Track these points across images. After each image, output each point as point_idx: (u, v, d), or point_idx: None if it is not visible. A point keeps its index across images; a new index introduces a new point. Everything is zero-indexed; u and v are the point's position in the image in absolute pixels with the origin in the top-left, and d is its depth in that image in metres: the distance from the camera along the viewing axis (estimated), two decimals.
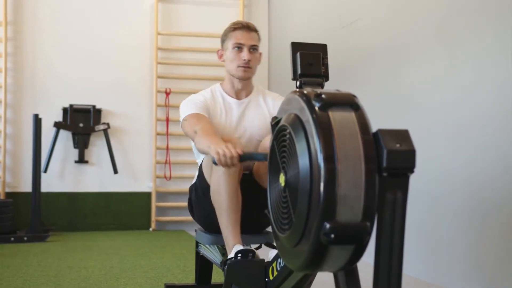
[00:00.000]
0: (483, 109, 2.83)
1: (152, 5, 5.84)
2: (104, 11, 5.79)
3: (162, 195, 5.79)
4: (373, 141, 1.25)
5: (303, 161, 1.28)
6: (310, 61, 1.69)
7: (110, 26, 5.79)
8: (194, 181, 2.50)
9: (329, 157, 1.22)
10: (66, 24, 5.69)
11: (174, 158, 5.72)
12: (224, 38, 2.45)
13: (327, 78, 1.72)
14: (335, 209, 1.22)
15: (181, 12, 5.96)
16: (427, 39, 3.31)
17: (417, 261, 3.28)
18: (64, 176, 5.63)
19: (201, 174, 2.38)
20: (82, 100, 5.64)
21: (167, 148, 5.70)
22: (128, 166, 5.76)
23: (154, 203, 5.70)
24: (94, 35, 5.74)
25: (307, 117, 1.28)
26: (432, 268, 3.15)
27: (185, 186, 5.43)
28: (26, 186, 5.43)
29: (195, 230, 2.64)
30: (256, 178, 2.33)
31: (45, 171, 5.38)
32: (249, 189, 2.26)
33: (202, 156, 2.40)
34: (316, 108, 1.27)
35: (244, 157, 1.90)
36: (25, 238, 4.75)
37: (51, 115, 5.53)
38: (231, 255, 2.03)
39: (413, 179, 3.09)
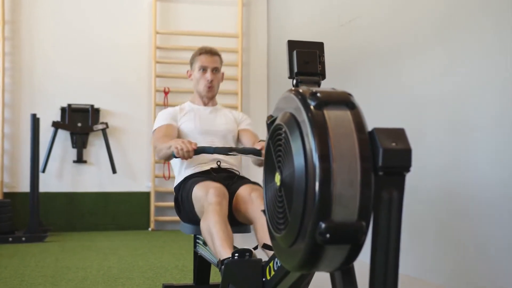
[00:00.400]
0: (482, 108, 2.81)
1: (151, 4, 5.83)
2: (102, 11, 5.78)
3: (161, 195, 5.78)
4: (369, 140, 1.23)
5: (298, 160, 1.26)
6: (307, 59, 1.67)
7: (108, 26, 5.78)
8: (177, 181, 2.69)
9: (324, 156, 1.20)
10: (64, 24, 5.68)
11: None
12: (192, 61, 2.84)
13: (323, 77, 1.70)
14: (330, 209, 1.20)
15: (180, 11, 5.95)
16: (426, 38, 3.30)
17: (419, 262, 3.27)
18: (62, 176, 5.62)
19: (188, 188, 2.52)
20: (80, 99, 5.63)
21: None
22: (126, 166, 5.75)
23: (153, 203, 5.70)
24: (92, 35, 5.74)
25: (302, 116, 1.27)
26: (423, 264, 3.14)
27: None
28: (24, 186, 5.42)
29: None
30: (234, 214, 2.49)
31: (43, 171, 5.37)
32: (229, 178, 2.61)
33: (179, 162, 2.70)
34: (311, 107, 1.25)
35: (198, 151, 2.37)
36: (23, 239, 4.74)
37: (49, 115, 5.53)
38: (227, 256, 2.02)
39: (412, 177, 3.07)
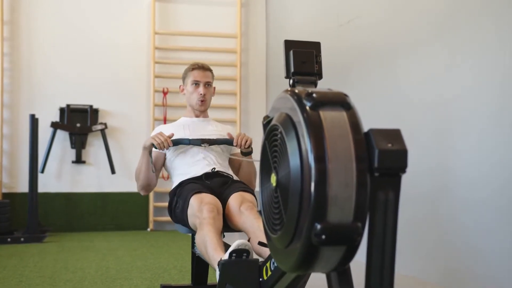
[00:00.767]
0: (482, 108, 2.81)
1: (150, 4, 5.83)
2: (102, 11, 5.78)
3: (160, 195, 5.77)
4: (365, 141, 1.23)
5: (294, 161, 1.26)
6: (303, 59, 1.67)
7: (108, 26, 5.78)
8: (174, 186, 2.74)
9: (320, 157, 1.20)
10: (63, 24, 5.68)
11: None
12: (184, 76, 2.93)
13: (320, 76, 1.70)
14: (326, 210, 1.20)
15: (179, 11, 5.94)
16: (425, 38, 3.30)
17: (410, 260, 3.27)
18: (61, 176, 5.61)
19: (183, 196, 2.57)
20: (79, 100, 5.63)
21: None
22: (125, 166, 5.75)
23: (152, 203, 5.69)
24: (91, 35, 5.73)
25: (298, 116, 1.27)
26: (427, 267, 3.14)
27: None
28: (23, 186, 5.42)
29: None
30: (227, 221, 2.53)
31: (42, 171, 5.36)
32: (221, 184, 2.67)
33: (174, 168, 2.80)
34: (307, 107, 1.25)
35: (174, 142, 2.65)
36: (22, 239, 4.74)
37: (48, 115, 5.52)
38: (225, 256, 2.02)
39: (410, 178, 3.07)
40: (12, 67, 5.56)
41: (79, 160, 5.60)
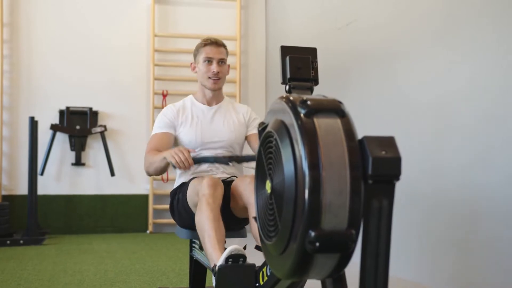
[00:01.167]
0: (481, 111, 2.81)
1: (149, 6, 5.84)
2: (101, 13, 5.78)
3: (159, 198, 5.77)
4: (359, 148, 1.23)
5: (288, 168, 1.26)
6: (299, 65, 1.67)
7: (107, 28, 5.78)
8: (175, 186, 2.67)
9: (314, 165, 1.20)
10: (63, 27, 5.68)
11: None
12: (196, 52, 2.73)
13: (316, 82, 1.71)
14: (320, 217, 1.20)
15: (178, 13, 5.95)
16: (423, 40, 3.30)
17: (415, 265, 3.27)
18: (60, 178, 5.62)
19: (184, 190, 2.52)
20: (78, 102, 5.63)
21: None
22: (125, 168, 5.75)
23: (151, 206, 5.70)
24: (91, 37, 5.74)
25: (292, 123, 1.27)
26: (428, 271, 3.14)
27: None
28: (22, 188, 5.42)
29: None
30: (232, 209, 2.50)
31: (42, 173, 5.37)
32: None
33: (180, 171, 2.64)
34: (302, 114, 1.25)
35: (197, 160, 2.34)
36: (21, 241, 4.74)
37: (48, 117, 5.53)
38: (221, 260, 2.02)
39: (410, 181, 3.08)
40: (12, 69, 5.57)
41: (78, 162, 5.61)
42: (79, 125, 5.57)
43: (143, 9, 5.87)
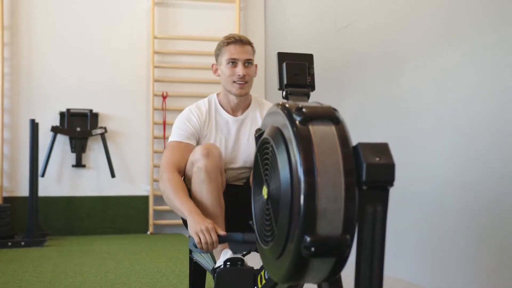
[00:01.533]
0: (481, 113, 2.83)
1: (149, 9, 5.86)
2: (101, 16, 5.81)
3: (159, 199, 5.79)
4: (353, 155, 1.26)
5: (284, 174, 1.29)
6: (296, 71, 1.70)
7: (107, 30, 5.80)
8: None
9: (309, 171, 1.23)
10: (63, 29, 5.71)
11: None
12: (217, 52, 2.40)
13: (313, 88, 1.73)
14: (315, 222, 1.23)
15: (178, 15, 5.97)
16: (423, 42, 3.32)
17: (416, 267, 3.29)
18: (61, 180, 5.64)
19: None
20: (79, 104, 5.66)
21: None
22: (125, 170, 5.78)
23: (151, 207, 5.72)
24: (90, 40, 5.76)
25: (288, 130, 1.29)
26: (432, 273, 3.16)
27: None
28: (23, 190, 5.44)
29: (190, 238, 2.67)
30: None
31: (43, 175, 5.39)
32: (242, 200, 2.18)
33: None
34: (297, 122, 1.28)
35: (223, 239, 1.95)
36: (23, 243, 4.76)
37: (48, 120, 5.55)
38: (219, 262, 2.04)
39: (409, 183, 3.08)
40: (12, 72, 5.59)
41: (79, 164, 5.63)
42: (79, 127, 5.60)
43: (143, 11, 5.89)
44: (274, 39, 5.90)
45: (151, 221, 5.71)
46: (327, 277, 1.33)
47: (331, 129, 1.28)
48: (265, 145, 1.41)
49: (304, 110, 1.29)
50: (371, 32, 3.87)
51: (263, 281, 1.87)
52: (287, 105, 1.34)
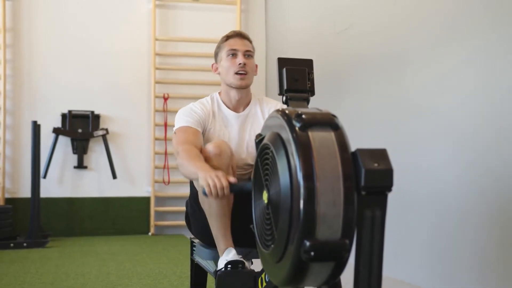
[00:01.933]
0: (481, 114, 2.84)
1: (150, 11, 5.88)
2: (102, 18, 5.83)
3: (161, 200, 5.82)
4: (352, 160, 1.28)
5: (284, 179, 1.31)
6: (296, 76, 1.72)
7: (108, 33, 5.83)
8: (189, 196, 2.55)
9: (308, 176, 1.25)
10: (65, 31, 5.73)
11: (172, 162, 5.74)
12: (217, 50, 2.43)
13: (312, 93, 1.75)
14: (314, 227, 1.25)
15: (179, 17, 5.99)
16: (423, 44, 3.33)
17: (417, 268, 3.31)
18: (63, 181, 5.66)
19: (193, 189, 2.41)
20: (80, 105, 5.68)
21: (166, 153, 5.74)
22: (126, 171, 5.80)
23: (153, 208, 5.74)
24: (92, 41, 5.78)
25: (287, 136, 1.32)
26: (435, 276, 3.18)
27: (184, 191, 5.46)
28: (25, 191, 5.46)
29: (191, 239, 2.69)
30: None
31: (45, 176, 5.41)
32: (246, 200, 2.09)
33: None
34: (296, 128, 1.30)
35: (234, 188, 1.79)
36: (25, 244, 4.78)
37: (50, 121, 5.57)
38: (221, 265, 2.06)
39: (410, 185, 3.09)
40: (14, 74, 5.62)
41: (80, 165, 5.65)
42: (81, 129, 5.62)
43: (144, 13, 5.91)
44: (274, 41, 5.92)
45: (152, 222, 5.73)
46: (326, 280, 1.35)
47: (330, 135, 1.31)
48: (265, 150, 1.43)
49: (303, 116, 1.31)
50: (371, 35, 3.89)
51: (264, 284, 1.89)
52: (287, 111, 1.36)
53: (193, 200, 2.38)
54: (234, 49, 2.33)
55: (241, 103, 2.44)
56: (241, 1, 6.05)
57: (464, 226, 2.91)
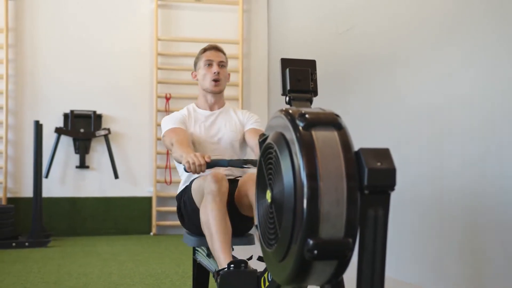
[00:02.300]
0: (481, 115, 2.85)
1: (152, 11, 5.89)
2: (105, 18, 5.84)
3: (162, 200, 5.83)
4: (355, 160, 1.28)
5: (287, 179, 1.31)
6: (299, 77, 1.72)
7: (111, 33, 5.84)
8: (180, 189, 2.69)
9: (312, 175, 1.25)
10: (67, 31, 5.75)
11: (174, 162, 5.75)
12: (196, 60, 2.81)
13: (315, 94, 1.75)
14: (318, 226, 1.25)
15: (181, 18, 6.01)
16: (423, 45, 3.34)
17: (417, 269, 3.31)
18: (65, 181, 5.68)
19: (189, 192, 2.54)
20: (82, 105, 5.70)
21: (167, 153, 5.75)
22: (128, 171, 5.81)
23: (154, 208, 5.75)
24: (94, 41, 5.80)
25: (291, 136, 1.32)
26: (433, 275, 3.18)
27: None
28: (27, 191, 5.48)
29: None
30: (237, 205, 2.49)
31: (47, 176, 5.43)
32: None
33: (181, 165, 2.59)
34: (300, 127, 1.30)
35: (210, 165, 2.23)
36: (27, 244, 4.80)
37: (52, 121, 5.59)
38: (224, 265, 2.07)
39: (411, 185, 3.10)
40: (17, 74, 5.63)
41: (82, 165, 5.67)
42: (83, 128, 5.64)
43: (146, 13, 5.93)
44: (277, 41, 5.93)
45: (154, 222, 5.75)
46: (329, 279, 1.35)
47: (334, 134, 1.31)
48: (268, 150, 1.44)
49: (307, 116, 1.31)
50: (373, 35, 3.90)
51: (266, 283, 1.89)
52: (290, 111, 1.37)
53: (188, 202, 2.56)
54: (210, 60, 2.73)
55: (215, 105, 2.81)
56: (243, 2, 6.06)
57: (465, 226, 2.91)
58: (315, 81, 1.74)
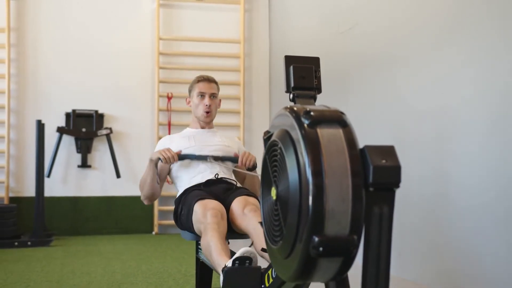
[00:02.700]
0: (481, 115, 2.85)
1: (154, 10, 5.90)
2: (106, 18, 5.85)
3: (164, 199, 5.83)
4: (360, 157, 1.29)
5: (292, 176, 1.32)
6: (303, 74, 1.72)
7: (112, 32, 5.85)
8: (178, 194, 2.82)
9: (317, 172, 1.26)
10: (69, 30, 5.75)
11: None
12: (190, 88, 3.02)
13: (319, 91, 1.76)
14: (323, 223, 1.26)
15: (183, 17, 6.01)
16: (425, 45, 3.35)
17: (420, 267, 3.32)
18: (67, 180, 5.68)
19: (188, 205, 2.63)
20: (84, 105, 5.70)
21: None
22: (130, 170, 5.81)
23: (156, 207, 5.76)
24: (96, 41, 5.80)
25: (296, 133, 1.32)
26: (436, 273, 3.19)
27: None
28: (29, 190, 5.49)
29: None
30: (232, 226, 2.58)
31: (49, 176, 5.44)
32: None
33: (179, 177, 2.87)
34: (305, 125, 1.31)
35: (181, 156, 2.77)
36: (29, 243, 4.80)
37: (54, 120, 5.60)
38: (228, 263, 2.07)
39: (412, 185, 3.10)
40: (19, 73, 5.64)
41: (84, 164, 5.67)
42: (85, 128, 5.64)
43: (148, 13, 5.93)
44: (278, 40, 5.93)
45: (156, 221, 5.75)
46: (334, 276, 1.36)
47: (339, 132, 1.31)
48: (273, 147, 1.44)
49: (312, 113, 1.32)
50: (374, 35, 3.90)
51: (271, 280, 1.90)
52: (295, 108, 1.37)
53: (181, 200, 2.74)
54: (203, 92, 2.94)
55: (206, 125, 3.05)
56: (245, 1, 6.07)
57: (468, 225, 2.92)
58: (319, 78, 1.74)
